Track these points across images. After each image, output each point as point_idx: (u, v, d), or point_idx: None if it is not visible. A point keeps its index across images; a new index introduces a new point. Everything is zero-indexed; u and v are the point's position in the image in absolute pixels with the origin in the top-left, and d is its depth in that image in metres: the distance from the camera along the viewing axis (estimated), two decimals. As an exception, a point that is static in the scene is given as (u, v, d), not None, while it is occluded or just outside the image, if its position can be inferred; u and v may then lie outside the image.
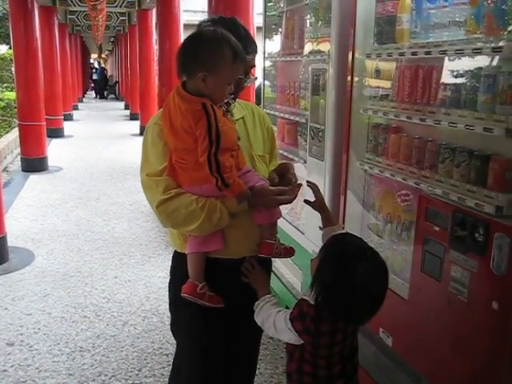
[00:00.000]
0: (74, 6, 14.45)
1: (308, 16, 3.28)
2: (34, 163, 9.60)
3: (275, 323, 1.89)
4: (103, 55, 42.62)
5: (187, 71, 1.85)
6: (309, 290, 1.78)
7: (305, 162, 3.35)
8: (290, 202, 2.00)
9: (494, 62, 1.87)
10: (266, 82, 4.30)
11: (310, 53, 3.19)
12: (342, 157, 2.81)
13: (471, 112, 1.92)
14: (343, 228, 2.19)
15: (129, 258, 5.34)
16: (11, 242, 5.50)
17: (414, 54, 2.20)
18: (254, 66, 2.05)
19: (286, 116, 3.70)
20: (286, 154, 3.68)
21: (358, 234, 2.53)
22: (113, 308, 4.23)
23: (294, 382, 1.88)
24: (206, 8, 5.07)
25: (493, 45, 1.79)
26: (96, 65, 34.65)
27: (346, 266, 1.67)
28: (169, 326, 2.34)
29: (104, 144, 12.98)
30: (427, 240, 2.14)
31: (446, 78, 2.13)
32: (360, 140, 2.72)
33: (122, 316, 4.09)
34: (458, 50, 1.94)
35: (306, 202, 2.14)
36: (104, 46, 34.33)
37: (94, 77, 31.39)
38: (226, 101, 1.93)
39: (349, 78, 2.69)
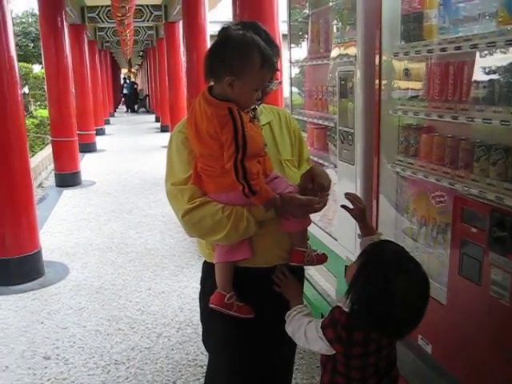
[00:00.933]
0: (103, 22, 14.69)
1: (334, 21, 3.23)
2: (67, 178, 9.74)
3: (306, 333, 1.84)
4: (133, 69, 43.23)
5: (214, 75, 1.82)
6: (344, 296, 1.72)
7: (335, 166, 3.29)
8: (318, 211, 1.95)
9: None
10: (294, 89, 4.26)
11: (337, 56, 3.14)
12: (373, 160, 2.74)
13: (506, 107, 1.83)
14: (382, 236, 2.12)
15: (162, 270, 5.34)
16: (46, 256, 5.56)
17: (443, 50, 2.12)
18: (278, 69, 2.01)
19: (315, 121, 3.64)
20: (316, 159, 3.62)
21: (392, 239, 2.48)
22: (147, 320, 4.22)
23: None
24: (231, 18, 5.09)
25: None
26: (123, 79, 35.08)
27: (386, 276, 1.60)
28: (203, 337, 2.30)
29: (136, 157, 13.13)
30: (464, 242, 2.06)
31: (478, 73, 2.05)
32: (391, 142, 2.65)
33: (156, 328, 4.08)
34: (489, 42, 1.86)
35: (344, 207, 2.07)
36: (133, 60, 34.87)
37: (125, 91, 31.64)
38: (252, 107, 1.89)
39: (377, 80, 2.62)
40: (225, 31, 1.85)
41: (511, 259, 1.82)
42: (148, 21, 14.83)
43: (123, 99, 33.16)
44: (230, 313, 1.96)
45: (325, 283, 3.57)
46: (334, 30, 3.23)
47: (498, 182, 1.90)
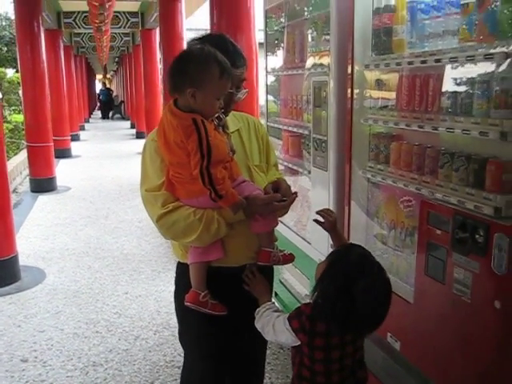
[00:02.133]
0: (79, 28, 14.69)
1: (309, 30, 3.36)
2: (42, 184, 9.72)
3: (274, 326, 1.95)
4: (108, 75, 43.02)
5: (177, 89, 1.92)
6: (311, 293, 1.83)
7: (309, 172, 3.41)
8: (281, 210, 2.07)
9: (487, 69, 1.92)
10: (270, 97, 4.37)
11: (312, 66, 3.27)
12: (345, 166, 2.87)
13: (467, 117, 1.97)
14: None
15: (139, 274, 5.40)
16: (22, 261, 5.58)
17: (410, 63, 2.27)
18: (245, 79, 2.12)
19: (290, 128, 3.76)
20: (290, 165, 3.74)
21: (363, 243, 2.61)
22: (124, 323, 4.28)
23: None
24: (208, 26, 5.20)
25: (485, 52, 1.86)
26: (101, 86, 34.77)
27: (350, 277, 1.72)
28: (180, 339, 2.40)
29: (111, 163, 13.13)
30: (430, 244, 2.19)
31: (443, 85, 2.18)
32: (362, 149, 2.77)
33: (134, 330, 4.15)
34: (451, 57, 2.01)
35: (316, 221, 2.20)
36: (109, 66, 34.69)
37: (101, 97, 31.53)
38: (216, 115, 1.99)
39: (349, 90, 2.75)
40: (186, 49, 1.98)
41: (472, 259, 1.95)
42: (125, 27, 14.87)
43: (99, 105, 32.87)
44: (205, 310, 2.07)
45: (299, 286, 3.68)
46: (309, 41, 3.35)
47: (460, 187, 2.03)
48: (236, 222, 2.03)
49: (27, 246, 6.37)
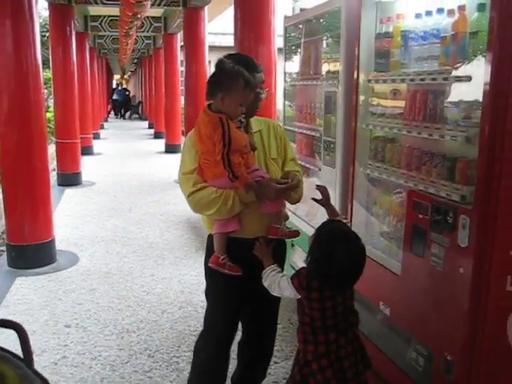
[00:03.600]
0: (104, 31, 15.32)
1: (323, 47, 3.91)
2: (69, 178, 10.35)
3: (280, 284, 2.50)
4: (125, 76, 43.75)
5: (212, 94, 2.55)
6: (306, 258, 2.40)
7: (319, 170, 3.96)
8: (287, 189, 2.61)
9: (460, 88, 2.47)
10: (287, 102, 4.91)
11: (324, 78, 3.81)
12: (349, 164, 3.41)
13: (444, 125, 2.52)
14: (345, 218, 2.79)
15: (163, 260, 5.96)
16: (57, 246, 6.13)
17: (402, 80, 2.82)
18: (264, 80, 2.70)
19: (304, 131, 4.31)
20: (303, 163, 4.29)
21: (364, 222, 3.16)
22: (152, 299, 4.84)
23: (299, 331, 2.46)
24: (226, 30, 5.73)
25: (456, 74, 2.41)
26: (116, 85, 34.95)
27: (330, 244, 2.28)
28: (203, 314, 2.97)
29: (131, 161, 13.73)
30: (414, 226, 2.73)
31: (428, 99, 2.73)
32: (364, 150, 3.31)
33: (161, 306, 4.70)
34: (433, 77, 2.55)
35: (313, 199, 2.77)
36: (127, 67, 35.33)
37: (115, 97, 31.47)
38: (238, 119, 2.59)
39: (354, 99, 3.30)
40: (221, 64, 2.58)
41: (445, 236, 2.48)
42: (148, 31, 15.47)
43: (110, 106, 32.67)
44: (223, 270, 2.66)
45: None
46: (323, 57, 3.91)
47: (437, 180, 2.57)
48: (250, 203, 2.61)
49: (59, 233, 6.90)
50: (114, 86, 35.23)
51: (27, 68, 5.46)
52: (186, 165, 2.66)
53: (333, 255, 2.24)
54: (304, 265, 2.45)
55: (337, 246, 2.26)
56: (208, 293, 2.92)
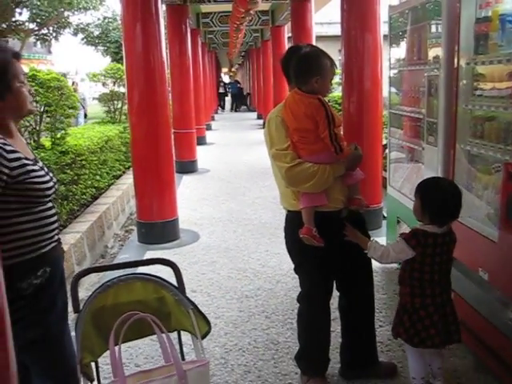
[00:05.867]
0: (215, 27, 16.06)
1: (427, 34, 4.16)
2: (186, 165, 11.11)
3: (394, 249, 2.81)
4: (233, 69, 44.93)
5: (303, 80, 2.85)
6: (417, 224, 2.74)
7: (423, 149, 4.22)
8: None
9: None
10: (392, 89, 5.17)
11: (427, 63, 4.07)
12: (451, 142, 3.66)
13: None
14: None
15: (276, 238, 6.40)
16: (179, 225, 6.79)
17: (499, 61, 3.05)
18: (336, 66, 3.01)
19: (409, 114, 4.58)
20: (408, 144, 4.56)
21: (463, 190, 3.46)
22: (267, 271, 5.31)
23: (406, 285, 2.80)
24: (333, 19, 6.04)
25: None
26: (224, 79, 35.35)
27: (441, 189, 2.71)
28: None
29: (242, 150, 14.37)
30: (510, 195, 2.96)
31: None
32: (464, 129, 3.55)
33: (276, 277, 5.15)
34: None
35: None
36: (234, 60, 36.27)
37: (221, 90, 31.80)
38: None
39: (454, 82, 3.54)
40: (300, 54, 2.91)
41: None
42: (256, 25, 16.02)
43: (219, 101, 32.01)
44: (312, 241, 2.87)
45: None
46: (428, 44, 4.16)
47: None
48: (335, 178, 2.87)
49: (181, 214, 7.55)
50: (227, 81, 35.46)
51: (154, 65, 6.10)
52: (280, 141, 2.86)
53: (438, 186, 2.76)
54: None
55: (437, 182, 2.85)
56: (300, 269, 3.17)
